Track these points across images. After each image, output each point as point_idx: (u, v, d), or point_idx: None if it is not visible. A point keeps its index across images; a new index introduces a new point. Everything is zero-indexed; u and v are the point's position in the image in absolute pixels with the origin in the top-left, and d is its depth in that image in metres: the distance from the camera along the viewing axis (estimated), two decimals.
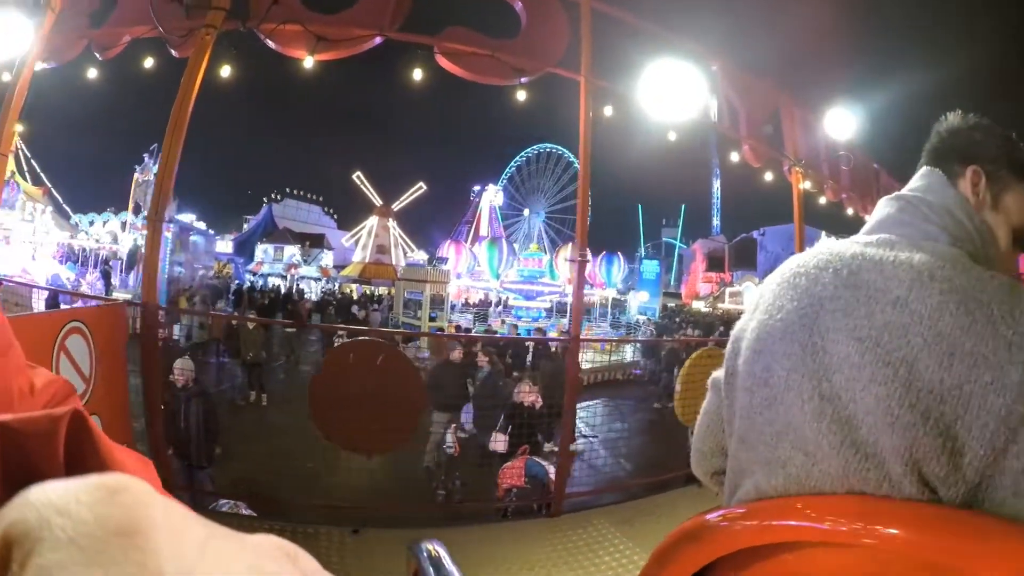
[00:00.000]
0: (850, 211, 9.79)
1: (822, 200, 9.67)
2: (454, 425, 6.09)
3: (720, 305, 38.68)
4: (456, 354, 6.47)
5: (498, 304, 26.67)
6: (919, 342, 0.66)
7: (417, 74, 5.09)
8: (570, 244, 28.05)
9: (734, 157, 7.20)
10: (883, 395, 0.66)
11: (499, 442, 5.24)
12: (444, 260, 26.63)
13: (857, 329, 0.70)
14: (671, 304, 40.00)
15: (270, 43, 4.44)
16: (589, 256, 6.40)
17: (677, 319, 25.25)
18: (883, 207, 0.89)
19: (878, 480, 0.67)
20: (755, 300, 0.89)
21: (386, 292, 29.33)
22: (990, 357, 0.63)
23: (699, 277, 45.62)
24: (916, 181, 0.92)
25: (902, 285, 0.70)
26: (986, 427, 0.62)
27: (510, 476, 4.73)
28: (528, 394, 5.36)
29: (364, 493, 4.53)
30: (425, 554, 0.85)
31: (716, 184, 58.09)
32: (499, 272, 24.83)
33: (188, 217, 38.08)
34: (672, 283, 49.96)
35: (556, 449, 5.11)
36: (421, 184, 41.55)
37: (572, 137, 5.49)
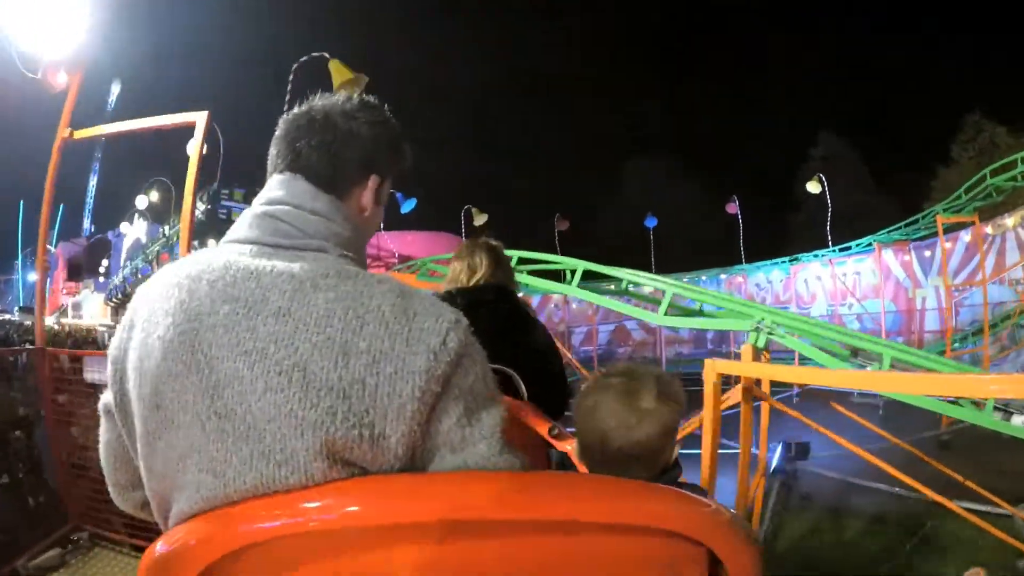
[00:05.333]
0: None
1: None
2: None
3: (64, 320, 31.47)
4: None
5: None
6: (307, 348, 0.67)
7: None
8: None
9: None
10: (281, 402, 0.66)
11: None
12: None
13: (241, 343, 0.69)
14: (28, 322, 32.93)
15: None
16: None
17: None
18: (252, 215, 0.83)
19: (301, 482, 0.67)
20: (129, 316, 0.82)
21: None
22: (389, 352, 0.68)
23: (61, 287, 39.17)
24: (283, 188, 0.84)
25: (283, 296, 0.70)
26: (403, 409, 0.68)
27: None
28: None
29: None
30: None
31: (94, 179, 49.09)
32: None
33: None
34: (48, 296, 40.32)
35: None
36: None
37: None
